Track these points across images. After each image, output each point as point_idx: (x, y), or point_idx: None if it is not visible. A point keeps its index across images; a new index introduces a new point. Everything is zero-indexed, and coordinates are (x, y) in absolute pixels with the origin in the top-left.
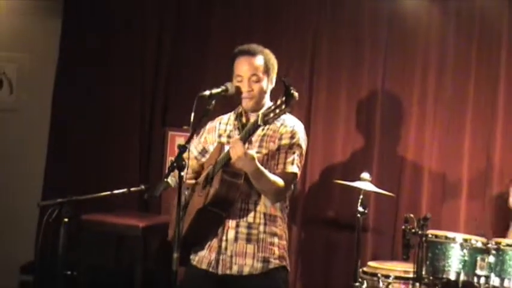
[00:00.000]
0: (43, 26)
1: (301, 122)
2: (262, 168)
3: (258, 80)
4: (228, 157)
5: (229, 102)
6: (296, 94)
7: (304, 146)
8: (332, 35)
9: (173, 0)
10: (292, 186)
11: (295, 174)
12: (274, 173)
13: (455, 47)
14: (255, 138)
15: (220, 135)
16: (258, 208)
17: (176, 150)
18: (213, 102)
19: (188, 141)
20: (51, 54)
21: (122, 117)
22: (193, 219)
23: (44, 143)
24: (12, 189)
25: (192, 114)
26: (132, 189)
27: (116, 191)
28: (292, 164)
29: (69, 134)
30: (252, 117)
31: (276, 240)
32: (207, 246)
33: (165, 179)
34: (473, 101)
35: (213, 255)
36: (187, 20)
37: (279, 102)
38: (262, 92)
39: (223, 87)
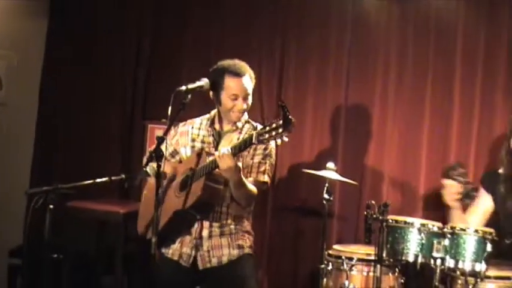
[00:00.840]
0: (30, 25)
1: (269, 114)
2: (244, 179)
3: (248, 97)
4: (213, 166)
5: (203, 96)
6: (293, 120)
7: (274, 156)
8: (300, 37)
9: (152, 3)
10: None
11: (266, 182)
12: (252, 181)
13: (413, 48)
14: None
15: (193, 140)
16: (229, 211)
17: (155, 142)
18: (189, 96)
19: (166, 133)
20: (39, 52)
21: (105, 111)
22: (170, 217)
23: (31, 135)
24: (1, 178)
25: (170, 108)
26: (113, 178)
27: (98, 180)
28: (264, 173)
29: (55, 127)
30: (226, 126)
31: (245, 234)
32: (178, 240)
33: (144, 169)
34: (431, 99)
35: (184, 249)
36: (166, 21)
37: (274, 125)
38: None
39: (198, 84)
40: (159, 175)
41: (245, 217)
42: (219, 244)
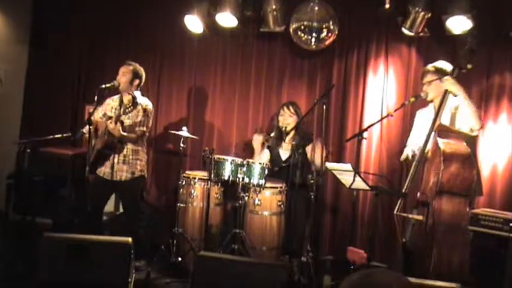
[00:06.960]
0: (15, 49)
1: (153, 99)
2: (124, 133)
3: (124, 76)
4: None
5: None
6: (138, 103)
7: (150, 114)
8: (171, 52)
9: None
10: (146, 134)
11: (144, 131)
12: (136, 131)
13: (230, 59)
14: (129, 114)
15: (112, 108)
16: (128, 146)
17: (88, 115)
18: (107, 91)
19: (93, 111)
20: (23, 61)
21: (62, 96)
22: (98, 152)
23: (20, 108)
24: (2, 132)
25: (96, 97)
26: (64, 134)
27: (56, 136)
28: (143, 126)
29: (34, 106)
30: (125, 99)
31: (138, 162)
32: (104, 165)
33: (81, 130)
34: (239, 88)
35: (108, 169)
36: (95, 45)
37: (130, 104)
38: (126, 83)
39: (112, 83)
40: (90, 134)
41: (140, 150)
42: (121, 168)
